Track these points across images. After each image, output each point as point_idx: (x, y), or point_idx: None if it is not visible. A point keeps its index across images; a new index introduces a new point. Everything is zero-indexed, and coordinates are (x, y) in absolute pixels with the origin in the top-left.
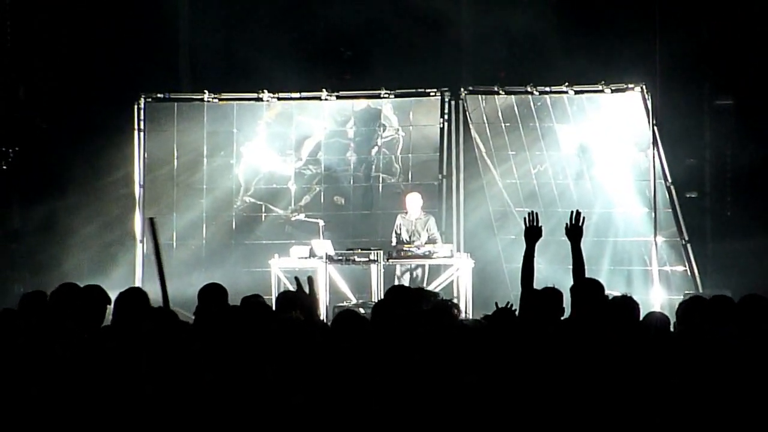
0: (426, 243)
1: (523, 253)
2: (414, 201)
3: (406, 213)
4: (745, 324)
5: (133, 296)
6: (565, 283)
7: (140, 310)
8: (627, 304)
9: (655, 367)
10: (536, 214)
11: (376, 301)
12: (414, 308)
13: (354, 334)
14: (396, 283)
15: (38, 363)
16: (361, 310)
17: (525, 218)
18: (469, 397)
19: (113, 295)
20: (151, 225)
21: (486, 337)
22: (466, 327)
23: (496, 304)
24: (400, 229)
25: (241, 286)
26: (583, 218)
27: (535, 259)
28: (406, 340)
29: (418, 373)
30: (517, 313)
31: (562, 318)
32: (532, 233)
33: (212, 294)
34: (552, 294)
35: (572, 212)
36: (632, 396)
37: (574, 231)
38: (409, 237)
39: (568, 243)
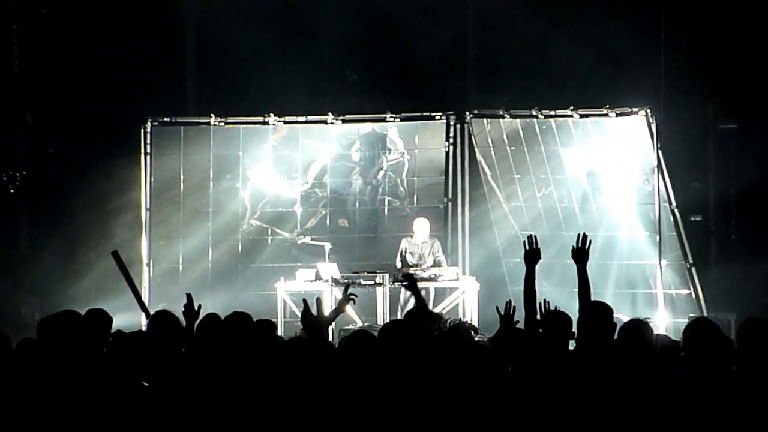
0: (432, 266)
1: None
2: (422, 226)
3: (412, 236)
4: (746, 348)
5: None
6: (570, 305)
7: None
8: (640, 328)
9: (666, 391)
10: (535, 237)
11: (383, 323)
12: (427, 329)
13: (368, 355)
14: (401, 305)
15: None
16: None
17: (524, 241)
18: (484, 417)
19: (120, 318)
20: (116, 257)
21: (499, 359)
22: (482, 348)
23: (497, 308)
24: (406, 252)
25: (248, 309)
26: (590, 241)
27: (537, 281)
28: (421, 361)
29: (433, 394)
30: (519, 321)
31: (572, 341)
32: (532, 256)
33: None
34: (561, 318)
35: (579, 235)
36: (645, 418)
37: (581, 254)
38: (416, 261)
39: (574, 266)
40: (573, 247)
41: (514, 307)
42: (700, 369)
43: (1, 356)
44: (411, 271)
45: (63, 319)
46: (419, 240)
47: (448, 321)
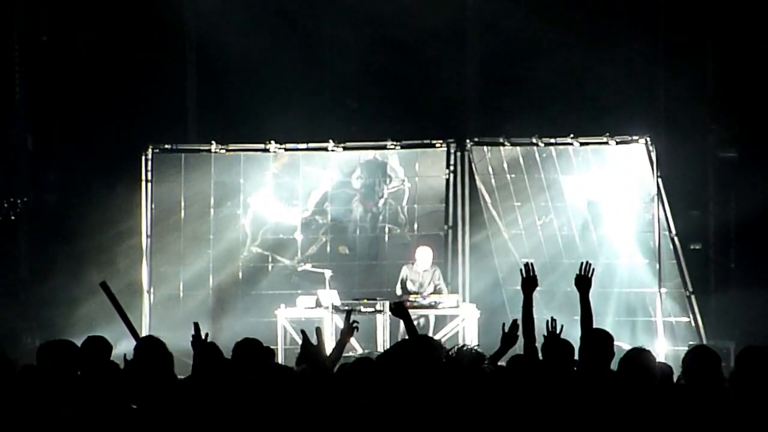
0: (432, 293)
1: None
2: (425, 254)
3: (413, 264)
4: (744, 376)
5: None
6: (571, 332)
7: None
8: (642, 356)
9: (666, 418)
10: (532, 264)
11: (383, 350)
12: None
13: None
14: (401, 333)
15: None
16: None
17: (521, 269)
18: None
19: (124, 345)
20: (104, 288)
21: (499, 383)
22: (488, 375)
23: (504, 325)
24: (406, 279)
25: (248, 336)
26: (593, 269)
27: (537, 308)
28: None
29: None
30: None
31: (574, 369)
32: (529, 284)
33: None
34: (563, 345)
35: (582, 263)
36: None
37: (583, 281)
38: (417, 288)
39: (574, 293)
40: (576, 274)
41: (518, 326)
42: (700, 397)
43: (4, 381)
44: (411, 297)
45: (59, 348)
46: (420, 268)
47: (454, 347)
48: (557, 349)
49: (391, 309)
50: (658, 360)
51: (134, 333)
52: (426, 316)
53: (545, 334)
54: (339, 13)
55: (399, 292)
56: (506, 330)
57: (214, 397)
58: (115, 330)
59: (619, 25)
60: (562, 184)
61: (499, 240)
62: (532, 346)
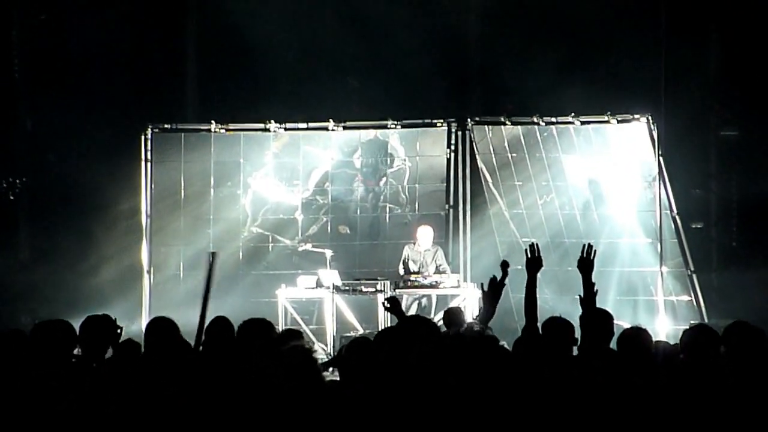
0: (434, 274)
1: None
2: (426, 234)
3: (415, 244)
4: (734, 352)
5: (164, 325)
6: (571, 312)
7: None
8: (640, 336)
9: (666, 397)
10: (537, 245)
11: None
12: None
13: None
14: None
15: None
16: None
17: (526, 250)
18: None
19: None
20: (212, 259)
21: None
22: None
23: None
24: (408, 260)
25: (248, 316)
26: (594, 251)
27: (538, 288)
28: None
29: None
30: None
31: (574, 348)
32: (534, 264)
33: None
34: (562, 324)
35: (584, 245)
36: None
37: (585, 263)
38: (418, 268)
39: (575, 273)
40: (579, 257)
41: (496, 281)
42: (698, 374)
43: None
44: (413, 277)
45: (54, 328)
46: (422, 248)
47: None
48: (556, 328)
49: (384, 306)
50: (659, 339)
51: (202, 320)
52: (429, 296)
53: (527, 256)
54: None
55: (402, 272)
56: (485, 289)
57: (221, 379)
58: (115, 310)
59: (621, 4)
60: (564, 163)
61: (500, 219)
62: (533, 326)
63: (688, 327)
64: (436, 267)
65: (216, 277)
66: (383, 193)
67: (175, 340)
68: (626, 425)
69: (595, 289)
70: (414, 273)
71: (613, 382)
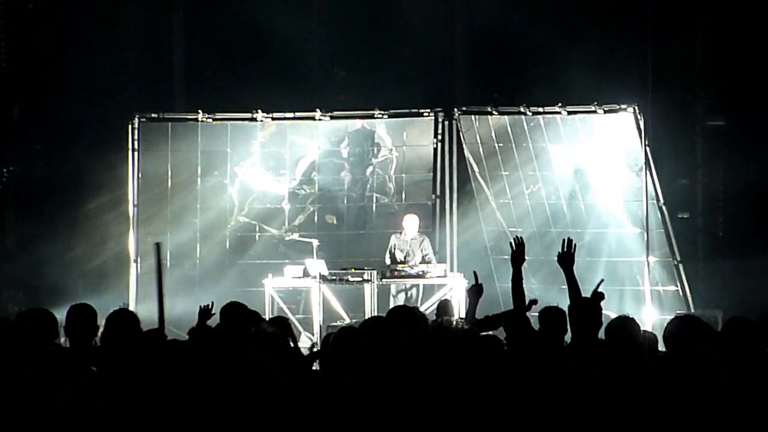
0: (420, 263)
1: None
2: (412, 222)
3: (401, 233)
4: (730, 347)
5: (123, 317)
6: (558, 301)
7: (130, 331)
8: (627, 325)
9: (652, 385)
10: (521, 238)
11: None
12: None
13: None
14: (391, 302)
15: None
16: None
17: (511, 243)
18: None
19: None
20: (158, 249)
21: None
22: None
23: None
24: (394, 249)
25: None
26: (575, 245)
27: (525, 278)
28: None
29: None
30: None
31: (564, 336)
32: (518, 257)
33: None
34: (556, 312)
35: (564, 240)
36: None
37: (566, 258)
38: (404, 257)
39: None
40: (559, 252)
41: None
42: (682, 366)
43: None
44: (399, 267)
45: (37, 316)
46: (408, 237)
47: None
48: (551, 316)
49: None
50: (646, 329)
51: (161, 312)
52: (417, 286)
53: (512, 249)
54: None
55: (388, 261)
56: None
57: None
58: (101, 299)
59: None
60: (550, 153)
61: (486, 209)
62: (523, 317)
63: (673, 317)
64: (423, 256)
65: (164, 266)
66: (370, 183)
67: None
68: (615, 415)
69: (599, 283)
70: (400, 263)
71: (604, 374)
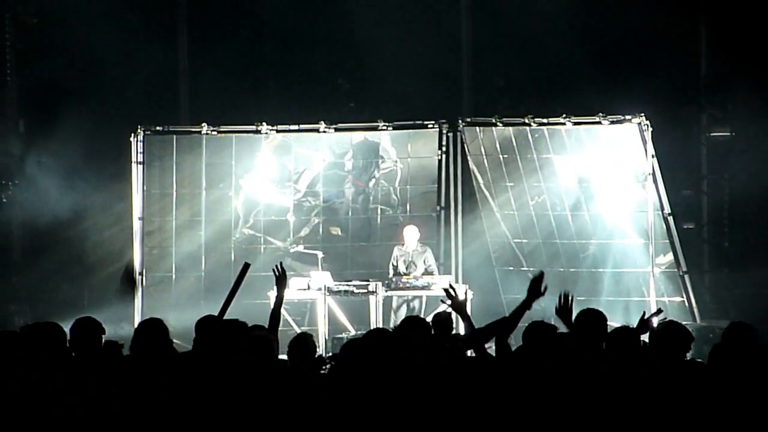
0: (423, 274)
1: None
2: (411, 233)
3: (403, 245)
4: (731, 352)
5: (154, 327)
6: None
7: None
8: (627, 333)
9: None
10: (543, 275)
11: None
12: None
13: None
14: (393, 314)
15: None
16: None
17: (535, 277)
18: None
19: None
20: (244, 270)
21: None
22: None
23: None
24: (397, 261)
25: (240, 318)
26: (572, 298)
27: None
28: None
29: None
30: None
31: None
32: (535, 292)
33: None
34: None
35: (560, 294)
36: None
37: (564, 312)
38: (406, 268)
39: (567, 273)
40: (556, 306)
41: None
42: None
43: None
44: (404, 279)
45: (42, 330)
46: (410, 248)
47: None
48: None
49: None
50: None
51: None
52: (420, 298)
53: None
54: None
55: (391, 273)
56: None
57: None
58: (106, 312)
59: (612, 6)
60: (555, 164)
61: (491, 220)
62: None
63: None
64: (425, 267)
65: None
66: (374, 195)
67: (164, 341)
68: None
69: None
70: (404, 274)
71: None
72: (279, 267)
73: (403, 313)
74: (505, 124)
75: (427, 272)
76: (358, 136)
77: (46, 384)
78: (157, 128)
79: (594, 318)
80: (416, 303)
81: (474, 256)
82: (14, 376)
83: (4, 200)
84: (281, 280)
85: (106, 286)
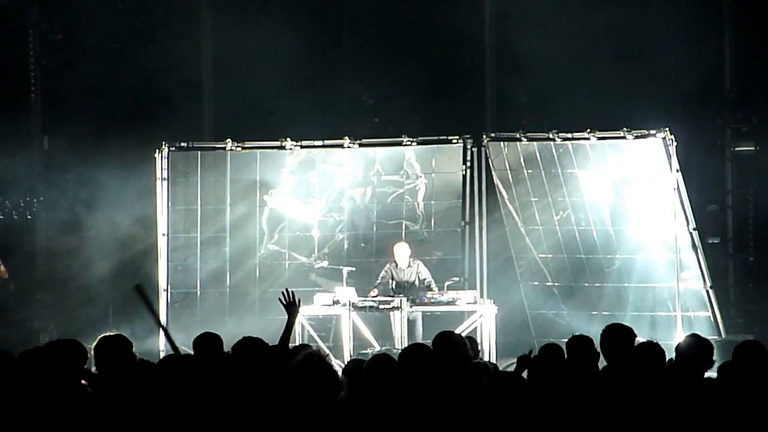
0: (420, 289)
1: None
2: (402, 251)
3: (397, 264)
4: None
5: (115, 343)
6: (588, 328)
7: (122, 358)
8: (653, 350)
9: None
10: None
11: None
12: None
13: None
14: (418, 331)
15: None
16: None
17: (524, 355)
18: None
19: (139, 344)
20: (139, 292)
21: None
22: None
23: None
24: (390, 278)
25: (266, 334)
26: (535, 357)
27: (556, 304)
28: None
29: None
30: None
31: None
32: (525, 364)
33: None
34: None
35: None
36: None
37: (524, 362)
38: (396, 286)
39: (593, 289)
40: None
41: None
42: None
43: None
44: (429, 294)
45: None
46: (402, 265)
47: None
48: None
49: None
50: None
51: (166, 332)
52: (415, 312)
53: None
54: (356, 10)
55: (374, 292)
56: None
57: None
58: (133, 329)
59: (636, 20)
60: (580, 179)
61: (516, 235)
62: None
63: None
64: (420, 282)
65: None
66: (399, 210)
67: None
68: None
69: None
70: (397, 293)
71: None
72: (286, 296)
73: (419, 326)
74: (530, 139)
75: (424, 286)
76: (383, 152)
77: (64, 406)
78: (182, 144)
79: (621, 334)
80: (412, 316)
81: (499, 271)
82: (32, 394)
83: (29, 217)
84: (290, 307)
85: (132, 303)
